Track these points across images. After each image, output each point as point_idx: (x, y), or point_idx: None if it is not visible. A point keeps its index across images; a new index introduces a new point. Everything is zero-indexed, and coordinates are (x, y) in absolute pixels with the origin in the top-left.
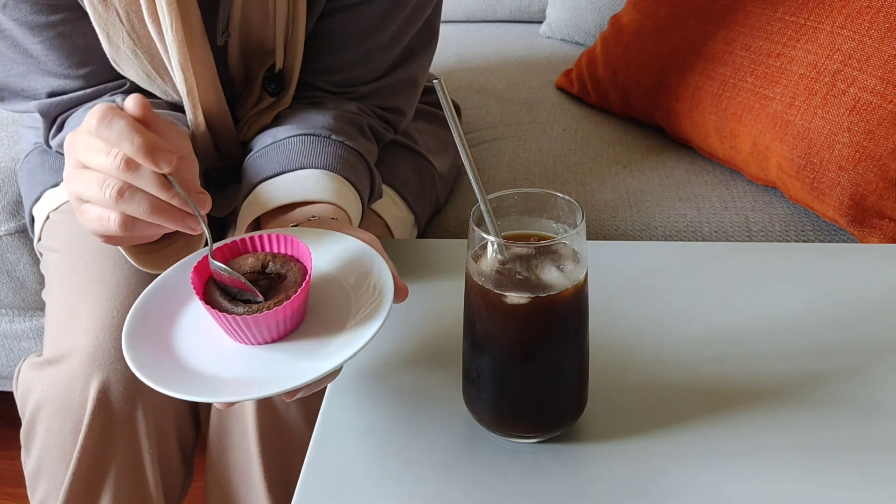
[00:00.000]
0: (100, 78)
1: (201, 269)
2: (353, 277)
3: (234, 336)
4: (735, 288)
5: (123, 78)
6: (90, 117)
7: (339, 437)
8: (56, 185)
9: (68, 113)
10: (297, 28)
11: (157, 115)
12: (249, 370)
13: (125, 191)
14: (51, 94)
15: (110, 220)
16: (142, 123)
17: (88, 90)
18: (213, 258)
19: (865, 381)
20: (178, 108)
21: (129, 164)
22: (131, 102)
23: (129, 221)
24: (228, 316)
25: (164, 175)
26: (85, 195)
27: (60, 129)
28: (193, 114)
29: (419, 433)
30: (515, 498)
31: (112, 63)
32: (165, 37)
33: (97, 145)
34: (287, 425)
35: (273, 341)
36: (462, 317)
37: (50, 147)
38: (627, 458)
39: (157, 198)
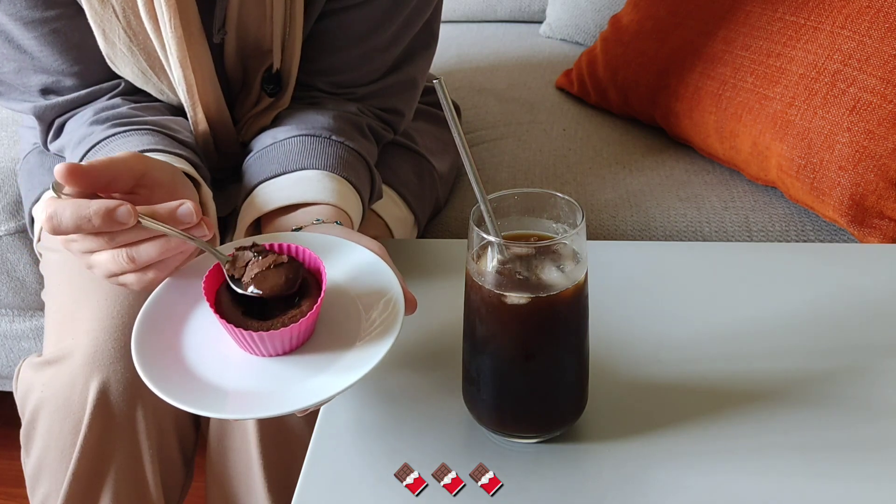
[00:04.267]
0: (95, 76)
1: (213, 276)
2: (364, 290)
3: (245, 347)
4: (735, 288)
5: (119, 77)
6: (45, 226)
7: (339, 437)
8: None
9: (65, 116)
10: (295, 28)
11: (91, 167)
12: (261, 386)
13: (132, 252)
14: (44, 91)
15: (148, 277)
16: (81, 186)
17: (83, 91)
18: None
19: (865, 381)
20: (174, 108)
21: (111, 236)
22: (61, 174)
23: (160, 266)
24: (245, 332)
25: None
26: (110, 272)
27: (58, 133)
28: (193, 111)
29: (419, 433)
30: (515, 498)
31: (108, 61)
32: (164, 34)
33: (74, 238)
34: (287, 425)
35: (284, 354)
36: (462, 317)
37: (48, 150)
38: (627, 458)
39: (157, 240)
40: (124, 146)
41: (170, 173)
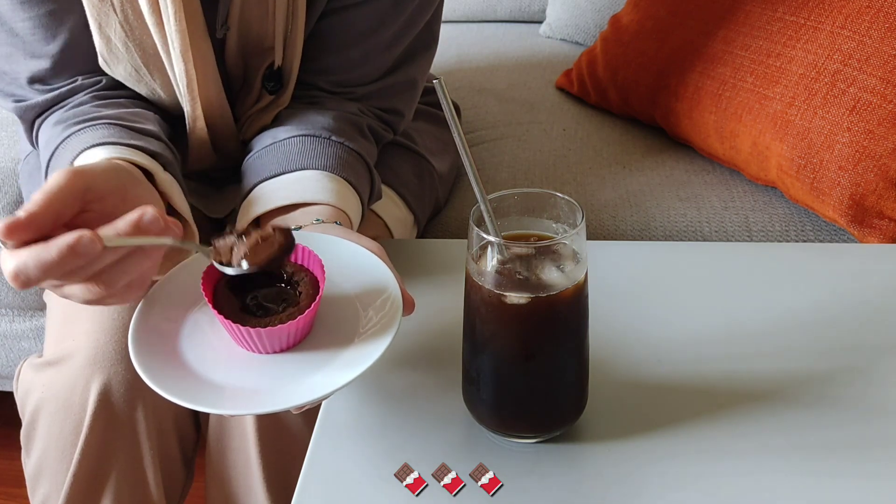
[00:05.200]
0: (82, 66)
1: (212, 272)
2: (362, 289)
3: (242, 344)
4: (735, 288)
5: (103, 74)
6: (12, 283)
7: (339, 437)
8: None
9: (43, 116)
10: (297, 25)
11: (30, 215)
12: (258, 382)
13: (105, 278)
14: (31, 81)
15: (129, 296)
16: (30, 237)
17: (64, 88)
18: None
19: (865, 381)
20: (163, 109)
21: (82, 269)
22: (3, 234)
23: (135, 284)
24: (242, 328)
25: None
26: (88, 301)
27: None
28: (192, 107)
29: (419, 433)
30: (515, 498)
31: (101, 60)
32: (167, 27)
33: (48, 282)
34: (286, 425)
35: (281, 351)
36: (462, 317)
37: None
38: (627, 458)
39: (129, 258)
40: (78, 144)
41: (114, 176)
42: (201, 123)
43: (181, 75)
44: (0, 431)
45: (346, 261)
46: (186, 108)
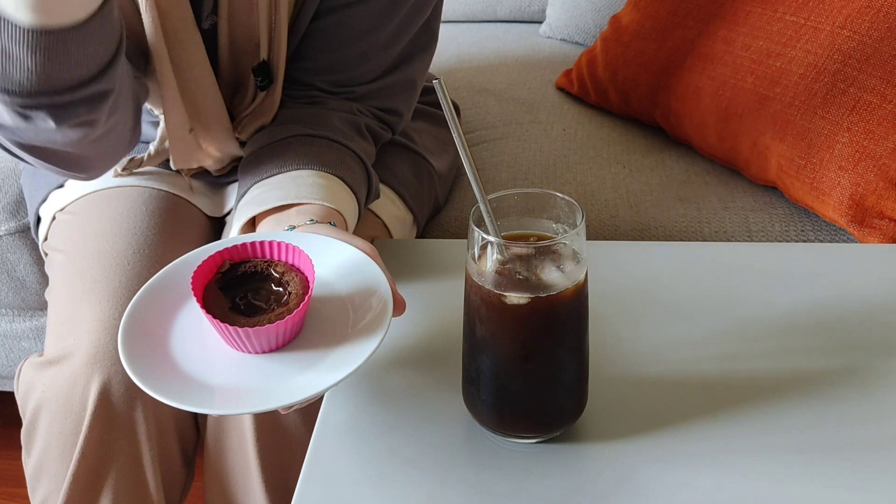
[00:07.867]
0: None
1: (202, 272)
2: (352, 289)
3: (231, 344)
4: (735, 288)
5: None
6: None
7: (339, 437)
8: (61, 185)
9: None
10: (280, 17)
11: None
12: (248, 381)
13: None
14: None
15: None
16: None
17: None
18: (215, 260)
19: (865, 381)
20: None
21: None
22: None
23: None
24: (231, 327)
25: None
26: None
27: None
28: (170, 94)
29: (419, 433)
30: (515, 498)
31: None
32: (143, 16)
33: None
34: (284, 425)
35: (271, 351)
36: (462, 317)
37: None
38: (627, 458)
39: None
40: None
41: None
42: (181, 119)
43: (158, 62)
44: (0, 431)
45: (338, 261)
46: (168, 101)
